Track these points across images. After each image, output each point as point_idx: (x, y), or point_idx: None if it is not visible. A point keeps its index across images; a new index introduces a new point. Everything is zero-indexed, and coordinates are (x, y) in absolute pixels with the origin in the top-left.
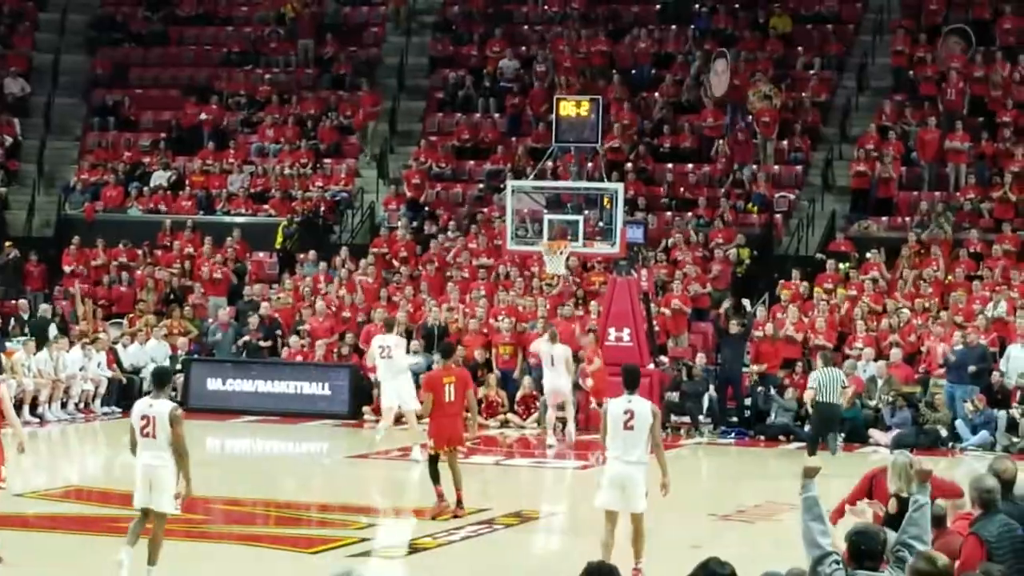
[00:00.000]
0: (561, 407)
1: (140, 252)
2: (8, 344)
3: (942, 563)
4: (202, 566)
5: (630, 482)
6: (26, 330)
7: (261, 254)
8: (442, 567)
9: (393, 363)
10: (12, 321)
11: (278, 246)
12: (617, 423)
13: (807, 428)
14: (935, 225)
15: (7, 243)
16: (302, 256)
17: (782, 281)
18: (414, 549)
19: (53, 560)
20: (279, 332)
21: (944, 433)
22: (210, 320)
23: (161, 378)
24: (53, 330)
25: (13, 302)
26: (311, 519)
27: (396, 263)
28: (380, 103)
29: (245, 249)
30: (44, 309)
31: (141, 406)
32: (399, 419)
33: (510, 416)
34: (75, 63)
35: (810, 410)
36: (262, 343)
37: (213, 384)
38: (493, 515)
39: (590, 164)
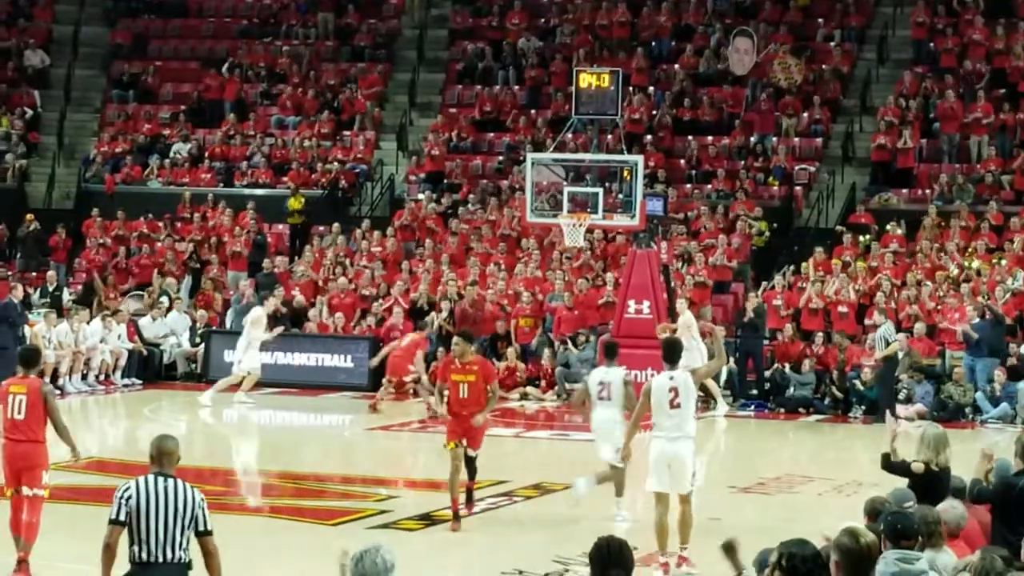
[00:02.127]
0: None
1: (161, 224)
2: (30, 316)
3: (865, 540)
4: (222, 538)
5: (677, 461)
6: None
7: (280, 226)
8: (461, 539)
9: None
10: (37, 292)
11: (292, 220)
12: (662, 401)
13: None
14: (956, 197)
15: (28, 216)
16: (323, 228)
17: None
18: (433, 521)
19: (74, 531)
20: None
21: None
22: (231, 293)
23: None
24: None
25: (34, 274)
26: (331, 491)
27: (417, 235)
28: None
29: (264, 221)
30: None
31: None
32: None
33: (529, 389)
34: (95, 35)
35: None
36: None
37: (231, 356)
38: (512, 487)
39: (610, 136)
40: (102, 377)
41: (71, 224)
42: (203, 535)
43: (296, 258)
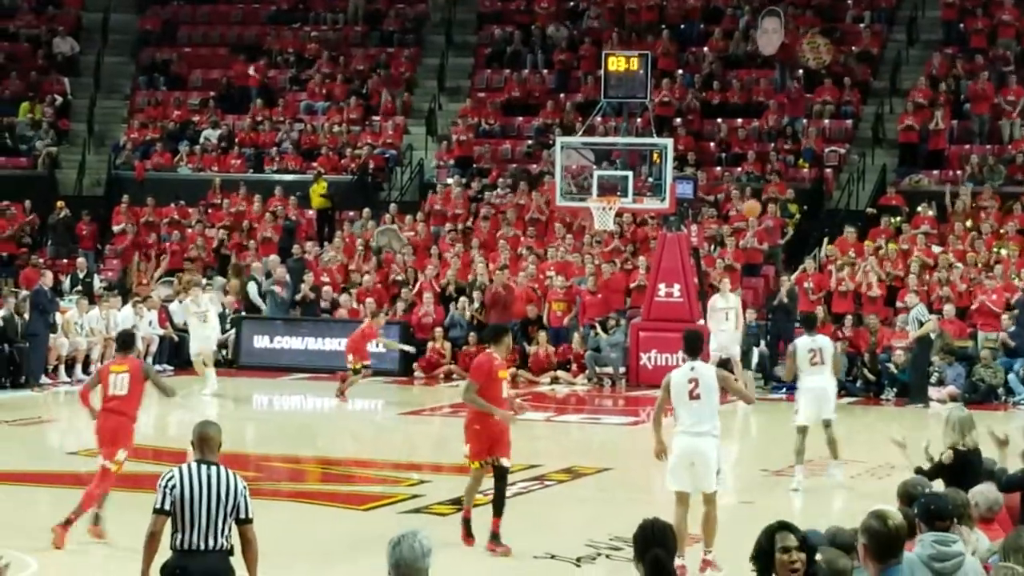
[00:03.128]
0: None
1: (191, 210)
2: (61, 303)
3: (893, 522)
4: (255, 524)
5: (700, 457)
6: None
7: (310, 212)
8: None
9: None
10: (68, 279)
11: (318, 205)
12: (681, 393)
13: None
14: (987, 179)
15: (58, 203)
16: (352, 213)
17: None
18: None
19: (108, 517)
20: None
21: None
22: (263, 278)
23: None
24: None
25: (65, 261)
26: (363, 476)
27: (447, 220)
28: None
29: (294, 207)
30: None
31: None
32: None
33: (560, 373)
34: (124, 22)
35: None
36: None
37: (261, 342)
38: (544, 471)
39: (639, 120)
40: None
41: (101, 211)
42: (244, 523)
43: (325, 243)
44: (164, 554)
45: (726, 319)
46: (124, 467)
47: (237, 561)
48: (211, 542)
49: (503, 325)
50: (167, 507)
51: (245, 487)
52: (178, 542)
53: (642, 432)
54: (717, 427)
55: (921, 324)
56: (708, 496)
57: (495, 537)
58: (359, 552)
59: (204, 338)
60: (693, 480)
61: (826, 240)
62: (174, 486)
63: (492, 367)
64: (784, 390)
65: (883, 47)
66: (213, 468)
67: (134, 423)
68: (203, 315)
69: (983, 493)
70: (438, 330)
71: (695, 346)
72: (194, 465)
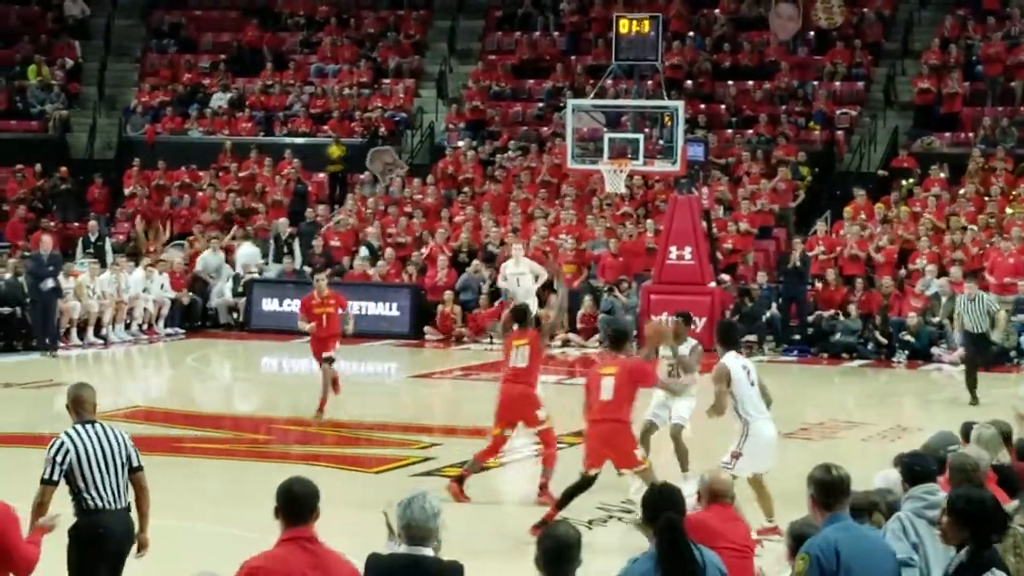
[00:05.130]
0: None
1: (202, 174)
2: (73, 266)
3: (837, 472)
4: (264, 486)
5: (775, 440)
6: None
7: (321, 175)
8: (505, 485)
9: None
10: (79, 243)
11: (332, 168)
12: (743, 382)
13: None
14: (999, 141)
15: (62, 168)
16: (362, 176)
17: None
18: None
19: None
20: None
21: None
22: (272, 241)
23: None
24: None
25: (76, 224)
26: (374, 439)
27: (458, 183)
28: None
29: (305, 170)
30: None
31: None
32: None
33: (571, 336)
34: None
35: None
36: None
37: (270, 305)
38: (555, 434)
39: (650, 82)
40: (145, 327)
41: (112, 174)
42: (137, 471)
43: (336, 207)
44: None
45: (518, 284)
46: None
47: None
48: (117, 499)
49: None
50: (56, 478)
51: (128, 437)
52: (85, 504)
53: (651, 395)
54: None
55: (991, 318)
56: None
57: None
58: (370, 515)
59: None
60: (768, 462)
61: (855, 202)
62: (67, 452)
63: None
64: (795, 353)
65: (895, 8)
66: (97, 426)
67: (536, 388)
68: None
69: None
70: (448, 293)
71: (732, 336)
72: (79, 427)
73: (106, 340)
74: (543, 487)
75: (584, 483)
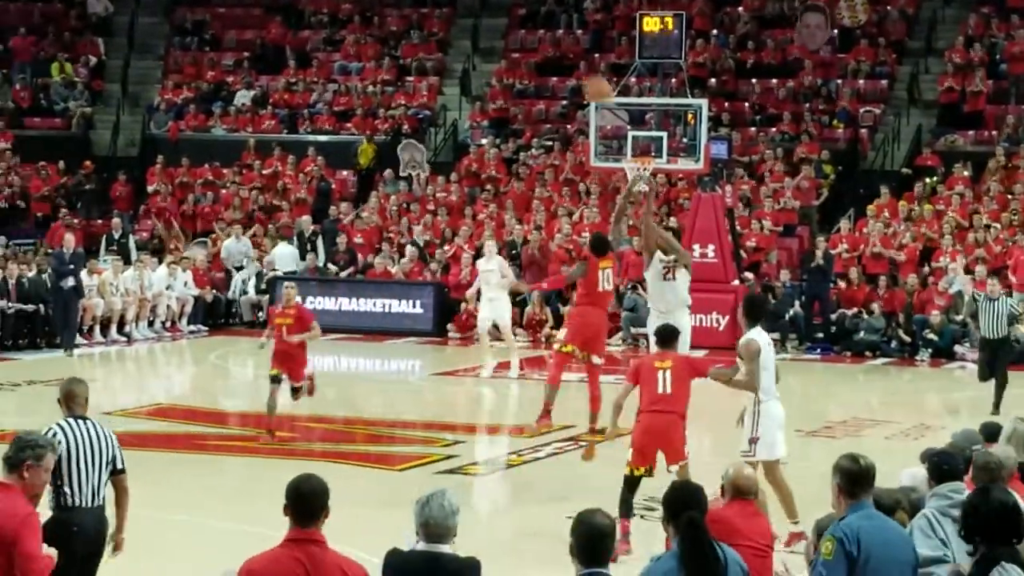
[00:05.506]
0: None
1: (225, 171)
2: (97, 263)
3: (864, 462)
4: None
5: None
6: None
7: (344, 172)
8: (528, 483)
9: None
10: (103, 240)
11: (361, 166)
12: (769, 359)
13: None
14: (1023, 139)
15: (86, 163)
16: (386, 174)
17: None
18: (499, 466)
19: (140, 477)
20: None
21: None
22: (296, 239)
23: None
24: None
25: (99, 221)
26: (398, 436)
27: (481, 181)
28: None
29: (328, 167)
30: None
31: None
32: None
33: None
34: None
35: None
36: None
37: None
38: (578, 432)
39: (673, 80)
40: (168, 324)
41: (135, 172)
42: (120, 472)
43: (360, 204)
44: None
45: (487, 283)
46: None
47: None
48: (97, 497)
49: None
50: None
51: (116, 438)
52: (64, 500)
53: None
54: None
55: (1013, 319)
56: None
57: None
58: (394, 512)
59: None
60: (784, 446)
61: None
62: (59, 442)
63: None
64: (819, 351)
65: (919, 7)
66: (88, 422)
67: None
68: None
69: (1007, 456)
70: (472, 291)
71: (761, 311)
72: (71, 421)
73: (129, 337)
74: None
75: (634, 483)
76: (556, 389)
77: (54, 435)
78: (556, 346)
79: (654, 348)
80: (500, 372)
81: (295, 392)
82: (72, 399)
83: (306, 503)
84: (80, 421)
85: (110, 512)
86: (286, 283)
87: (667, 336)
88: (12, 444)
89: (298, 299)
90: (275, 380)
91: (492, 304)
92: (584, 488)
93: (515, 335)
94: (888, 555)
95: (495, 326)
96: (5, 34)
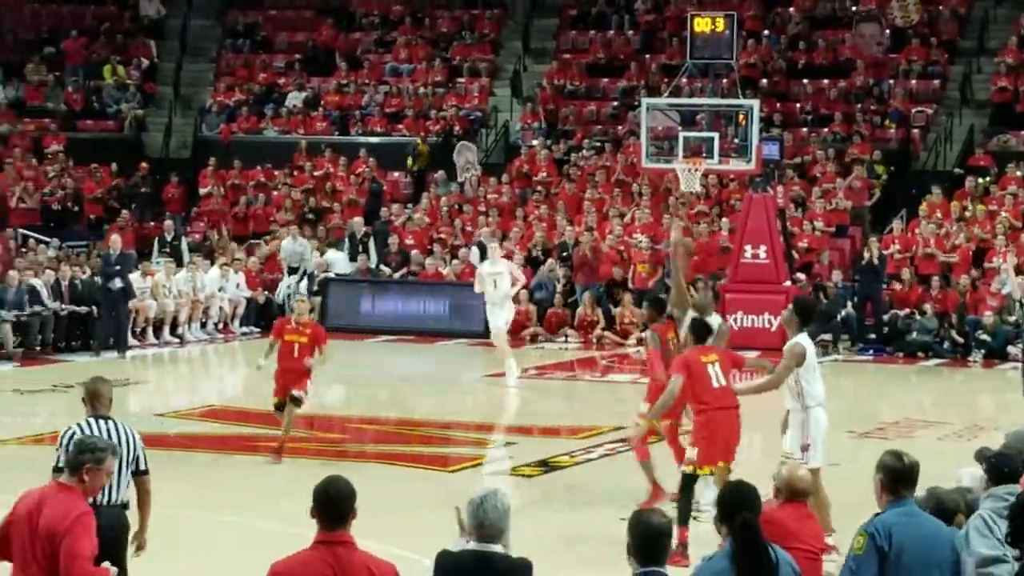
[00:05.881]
0: None
1: (277, 173)
2: (150, 265)
3: (908, 459)
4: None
5: None
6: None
7: (396, 174)
8: (580, 485)
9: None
10: (155, 242)
11: (414, 167)
12: (813, 366)
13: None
14: None
15: (142, 164)
16: (437, 175)
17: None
18: (551, 467)
19: (190, 478)
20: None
21: None
22: (348, 240)
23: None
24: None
25: (152, 224)
26: (449, 438)
27: (532, 182)
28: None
29: (379, 169)
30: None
31: None
32: None
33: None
34: None
35: None
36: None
37: (350, 304)
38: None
39: (725, 81)
40: (220, 326)
41: (187, 174)
42: (142, 474)
43: (411, 205)
44: None
45: (495, 286)
46: None
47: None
48: (113, 496)
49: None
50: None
51: (140, 437)
52: None
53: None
54: None
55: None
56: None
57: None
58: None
59: None
60: (824, 456)
61: (930, 199)
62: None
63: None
64: (871, 352)
65: (971, 6)
66: (111, 422)
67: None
68: None
69: None
70: (523, 292)
71: (811, 315)
72: (92, 420)
73: (182, 339)
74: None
75: (692, 483)
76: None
77: (73, 434)
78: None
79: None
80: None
81: (295, 401)
82: (97, 398)
83: (334, 506)
84: (101, 420)
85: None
86: (298, 295)
87: (703, 331)
88: (74, 447)
89: (313, 315)
90: (280, 408)
91: (497, 309)
92: (636, 488)
93: (566, 337)
94: (924, 553)
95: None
96: (58, 37)
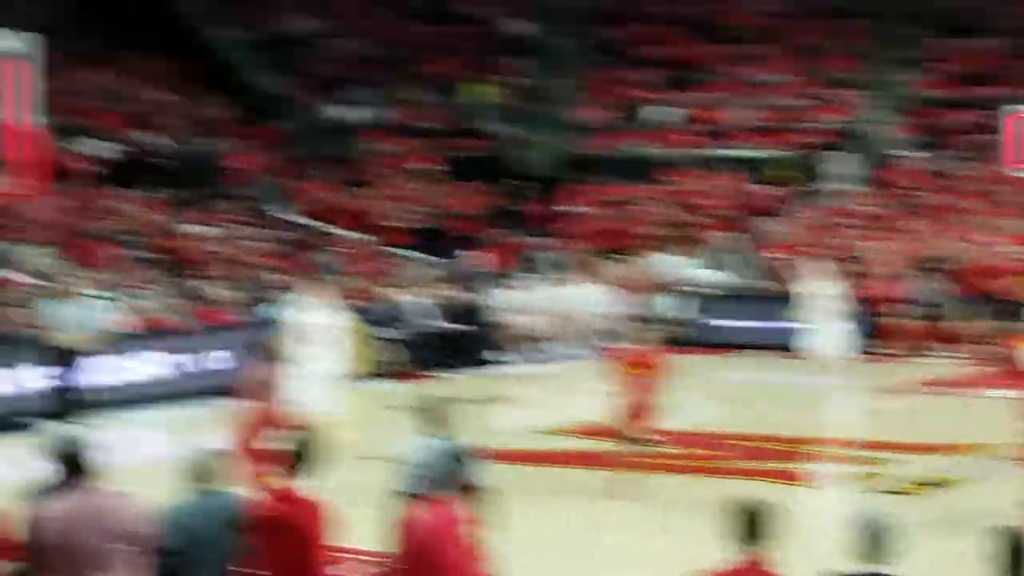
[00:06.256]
0: None
1: (643, 188)
2: (517, 282)
3: None
4: (712, 503)
5: None
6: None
7: (762, 187)
8: (958, 506)
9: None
10: (523, 259)
11: (782, 180)
12: None
13: None
14: None
15: (515, 182)
16: (809, 187)
17: None
18: (933, 485)
19: (568, 496)
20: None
21: None
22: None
23: None
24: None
25: (520, 240)
26: (821, 454)
27: (905, 193)
28: None
29: (746, 182)
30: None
31: None
32: None
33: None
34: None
35: None
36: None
37: (714, 319)
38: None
39: None
40: (588, 341)
41: (552, 190)
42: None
43: (778, 219)
44: None
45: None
46: None
47: None
48: None
49: None
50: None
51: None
52: None
53: None
54: None
55: None
56: None
57: None
58: (827, 531)
59: None
60: None
61: None
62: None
63: None
64: None
65: None
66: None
67: None
68: None
69: None
70: (899, 306)
71: None
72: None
73: (549, 355)
74: None
75: None
76: None
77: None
78: None
79: None
80: None
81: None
82: (436, 419)
83: (755, 526)
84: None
85: None
86: (637, 323)
87: None
88: None
89: (655, 339)
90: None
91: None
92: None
93: (944, 350)
94: None
95: None
96: (425, 55)
